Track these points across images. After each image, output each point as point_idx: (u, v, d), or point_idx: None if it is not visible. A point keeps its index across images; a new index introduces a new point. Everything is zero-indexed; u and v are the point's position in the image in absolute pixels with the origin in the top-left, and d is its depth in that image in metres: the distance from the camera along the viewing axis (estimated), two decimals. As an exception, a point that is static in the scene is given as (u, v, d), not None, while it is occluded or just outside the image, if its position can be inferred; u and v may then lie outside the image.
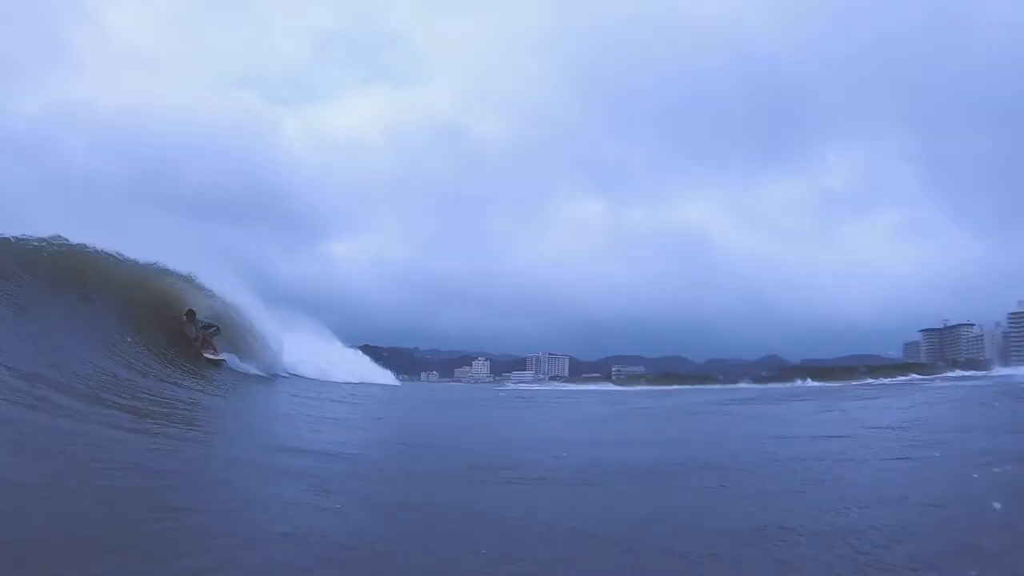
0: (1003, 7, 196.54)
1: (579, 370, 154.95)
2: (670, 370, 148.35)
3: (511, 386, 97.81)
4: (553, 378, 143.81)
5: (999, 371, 56.38)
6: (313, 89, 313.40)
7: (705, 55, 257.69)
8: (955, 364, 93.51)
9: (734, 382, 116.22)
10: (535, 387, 72.25)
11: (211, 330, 13.37)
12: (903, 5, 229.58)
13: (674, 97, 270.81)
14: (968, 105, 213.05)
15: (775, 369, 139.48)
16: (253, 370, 14.28)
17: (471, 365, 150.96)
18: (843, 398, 16.52)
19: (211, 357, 12.90)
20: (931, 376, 56.47)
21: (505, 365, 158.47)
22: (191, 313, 13.13)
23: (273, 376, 14.94)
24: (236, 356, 13.90)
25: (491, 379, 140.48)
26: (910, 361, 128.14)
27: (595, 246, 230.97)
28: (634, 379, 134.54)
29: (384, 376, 28.16)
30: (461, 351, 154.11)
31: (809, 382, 51.96)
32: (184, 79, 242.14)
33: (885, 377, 61.54)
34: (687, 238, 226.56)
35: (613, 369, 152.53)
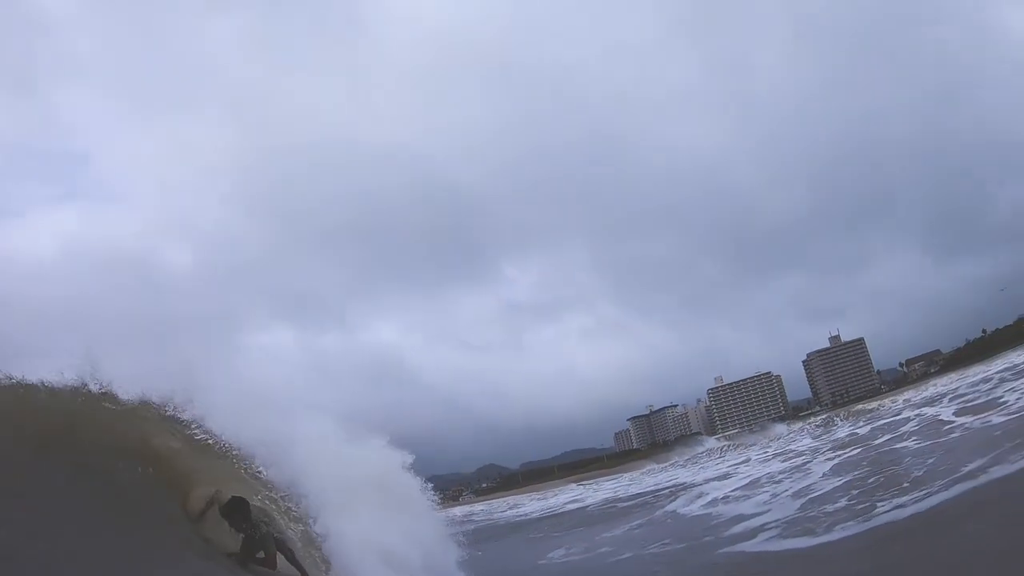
0: (668, 130, 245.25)
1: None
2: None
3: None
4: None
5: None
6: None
7: (384, 176, 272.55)
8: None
9: (455, 499, 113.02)
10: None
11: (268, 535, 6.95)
12: (571, 122, 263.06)
13: (356, 218, 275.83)
14: (636, 211, 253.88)
15: (494, 478, 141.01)
16: None
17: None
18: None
19: None
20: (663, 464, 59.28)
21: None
22: (240, 503, 6.80)
23: None
24: None
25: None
26: (624, 449, 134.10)
27: (289, 375, 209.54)
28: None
29: None
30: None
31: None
32: None
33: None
34: (382, 360, 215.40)
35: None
